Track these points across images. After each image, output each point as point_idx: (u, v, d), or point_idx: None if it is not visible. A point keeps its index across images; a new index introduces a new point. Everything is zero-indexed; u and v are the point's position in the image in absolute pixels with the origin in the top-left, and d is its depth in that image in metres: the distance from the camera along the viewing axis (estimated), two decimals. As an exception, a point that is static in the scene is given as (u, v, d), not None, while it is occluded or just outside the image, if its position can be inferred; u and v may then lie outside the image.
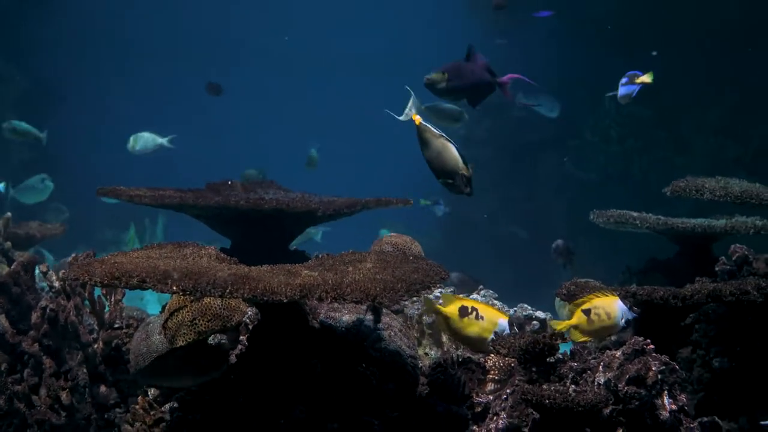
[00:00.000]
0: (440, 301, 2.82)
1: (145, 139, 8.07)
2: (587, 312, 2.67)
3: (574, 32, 10.17)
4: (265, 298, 2.23)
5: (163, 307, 3.56)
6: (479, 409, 2.82)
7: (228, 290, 2.24)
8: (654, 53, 8.02)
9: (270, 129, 19.61)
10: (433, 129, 3.03)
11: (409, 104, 3.08)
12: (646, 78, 4.17)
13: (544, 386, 2.51)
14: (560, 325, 2.77)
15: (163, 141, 8.08)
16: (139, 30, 18.44)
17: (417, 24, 18.21)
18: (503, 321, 2.68)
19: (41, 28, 14.37)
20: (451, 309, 2.76)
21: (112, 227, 14.58)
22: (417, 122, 3.01)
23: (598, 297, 2.69)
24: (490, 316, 2.72)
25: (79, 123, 15.67)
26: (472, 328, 2.69)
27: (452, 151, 3.06)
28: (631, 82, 4.22)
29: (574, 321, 2.71)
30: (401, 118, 3.06)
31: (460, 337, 2.80)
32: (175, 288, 2.27)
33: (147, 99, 17.55)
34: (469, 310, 2.73)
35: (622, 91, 4.26)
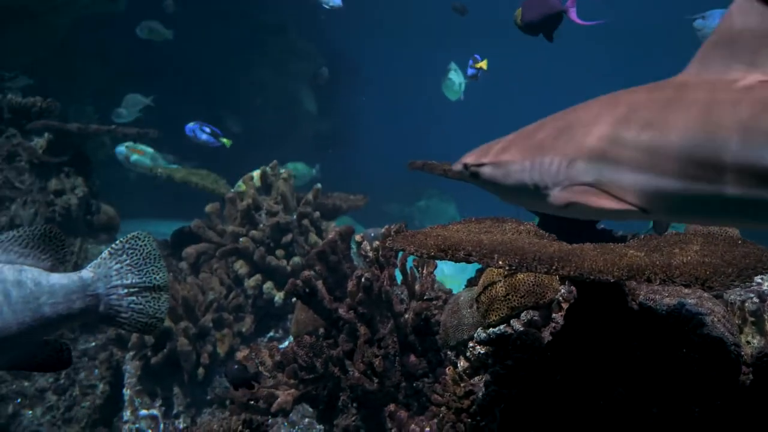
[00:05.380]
0: None
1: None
2: None
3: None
4: (591, 277, 2.20)
5: (469, 282, 3.65)
6: (809, 405, 2.63)
7: (554, 267, 2.24)
8: None
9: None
10: None
11: None
12: None
13: None
14: None
15: (146, 100, 9.71)
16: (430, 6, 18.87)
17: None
18: None
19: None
20: None
21: (398, 201, 15.18)
22: None
23: None
24: None
25: (371, 98, 16.36)
26: None
27: None
28: None
29: None
30: None
31: None
32: (500, 263, 2.29)
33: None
34: None
35: None
